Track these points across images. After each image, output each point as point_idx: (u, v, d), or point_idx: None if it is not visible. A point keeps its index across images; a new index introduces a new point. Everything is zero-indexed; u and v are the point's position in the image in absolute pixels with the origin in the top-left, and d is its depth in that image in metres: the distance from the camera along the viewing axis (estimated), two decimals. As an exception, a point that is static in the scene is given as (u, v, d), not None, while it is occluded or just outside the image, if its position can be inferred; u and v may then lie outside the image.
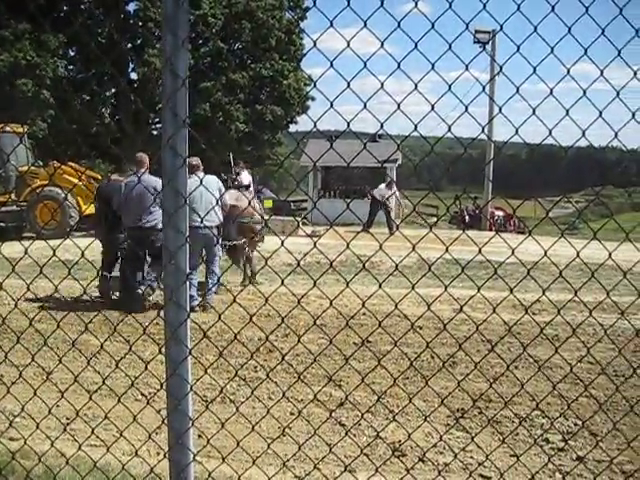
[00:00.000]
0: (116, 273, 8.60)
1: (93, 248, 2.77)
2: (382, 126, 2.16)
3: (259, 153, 32.27)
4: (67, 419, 4.33)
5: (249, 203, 9.51)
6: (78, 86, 28.19)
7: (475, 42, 21.52)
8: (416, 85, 2.11)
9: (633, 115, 2.26)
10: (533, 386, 5.29)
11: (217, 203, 8.36)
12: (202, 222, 7.79)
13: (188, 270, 2.25)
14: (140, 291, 8.06)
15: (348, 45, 2.09)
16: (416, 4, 2.06)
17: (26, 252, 2.69)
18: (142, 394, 5.16)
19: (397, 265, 2.34)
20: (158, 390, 4.86)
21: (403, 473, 3.53)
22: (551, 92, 2.22)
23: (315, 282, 2.43)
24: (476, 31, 21.53)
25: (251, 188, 10.68)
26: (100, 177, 17.28)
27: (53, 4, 25.67)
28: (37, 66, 24.43)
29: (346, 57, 2.32)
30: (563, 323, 6.70)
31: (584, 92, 2.28)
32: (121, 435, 3.08)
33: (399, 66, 2.10)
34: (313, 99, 31.37)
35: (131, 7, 29.11)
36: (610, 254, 2.54)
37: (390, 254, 3.20)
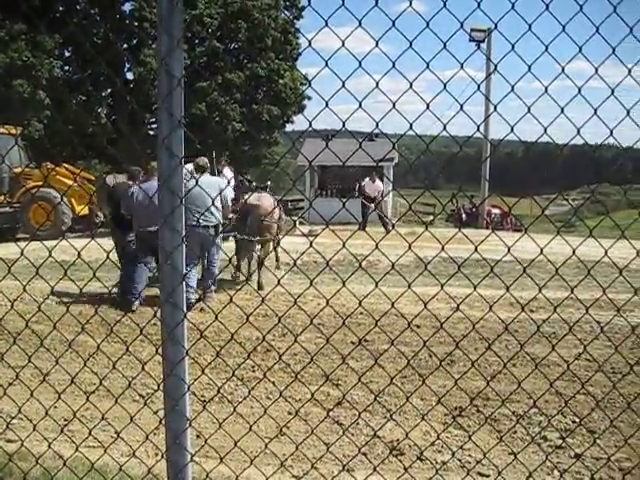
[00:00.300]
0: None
1: (89, 249, 2.76)
2: (377, 125, 2.16)
3: (256, 153, 32.24)
4: (64, 420, 4.33)
5: (277, 206, 9.81)
6: (74, 87, 28.13)
7: (471, 40, 21.55)
8: (411, 84, 2.11)
9: (628, 112, 2.26)
10: (531, 384, 5.29)
11: (212, 203, 8.38)
12: (198, 221, 7.87)
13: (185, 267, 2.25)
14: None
15: (343, 44, 2.09)
16: (410, 3, 2.06)
17: (22, 253, 2.69)
18: (140, 395, 5.16)
19: (393, 264, 2.35)
20: (155, 391, 4.85)
21: (401, 472, 3.53)
22: (546, 90, 2.22)
23: (312, 282, 2.43)
24: (472, 30, 21.56)
25: (232, 183, 10.98)
26: (94, 178, 17.25)
27: (49, 5, 25.60)
28: (33, 67, 24.36)
29: (342, 56, 2.33)
30: (560, 321, 6.70)
31: (579, 90, 2.28)
32: (119, 436, 3.08)
33: (394, 65, 2.11)
34: (309, 98, 31.35)
35: (127, 7, 29.11)
36: (606, 251, 2.55)
37: (387, 253, 3.20)
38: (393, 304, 2.56)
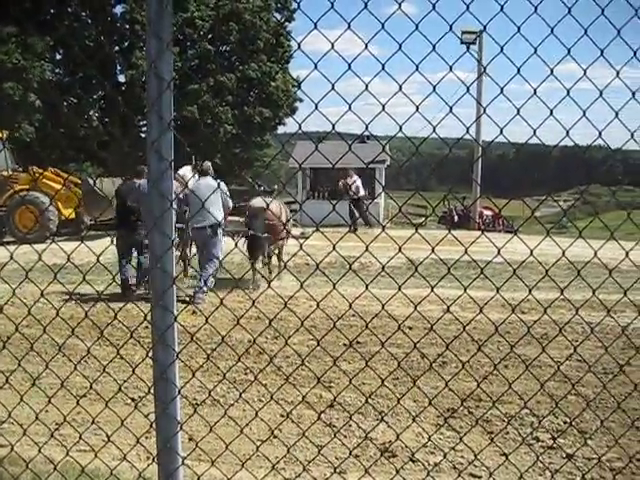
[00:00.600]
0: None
1: (80, 252, 2.75)
2: (367, 127, 2.16)
3: (247, 155, 32.25)
4: (55, 424, 4.30)
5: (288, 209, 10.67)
6: (65, 89, 28.06)
7: (462, 43, 21.60)
8: (400, 86, 2.12)
9: (616, 114, 2.28)
10: (522, 385, 5.30)
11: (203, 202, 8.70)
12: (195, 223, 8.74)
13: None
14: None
15: (332, 47, 2.09)
16: (400, 5, 2.06)
17: (11, 257, 2.67)
18: (131, 398, 5.14)
19: (384, 266, 2.35)
20: (147, 394, 4.83)
21: (393, 474, 3.53)
22: (535, 92, 2.23)
23: (302, 284, 2.43)
24: (463, 32, 21.63)
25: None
26: (80, 181, 17.18)
27: (39, 7, 25.54)
28: (23, 69, 24.29)
29: (332, 59, 2.33)
30: (551, 322, 6.73)
31: (568, 92, 2.29)
32: (109, 440, 3.06)
33: (383, 67, 2.11)
34: (301, 100, 31.41)
35: (118, 9, 29.06)
36: (596, 252, 2.56)
37: (379, 255, 3.21)
38: (383, 306, 2.56)
